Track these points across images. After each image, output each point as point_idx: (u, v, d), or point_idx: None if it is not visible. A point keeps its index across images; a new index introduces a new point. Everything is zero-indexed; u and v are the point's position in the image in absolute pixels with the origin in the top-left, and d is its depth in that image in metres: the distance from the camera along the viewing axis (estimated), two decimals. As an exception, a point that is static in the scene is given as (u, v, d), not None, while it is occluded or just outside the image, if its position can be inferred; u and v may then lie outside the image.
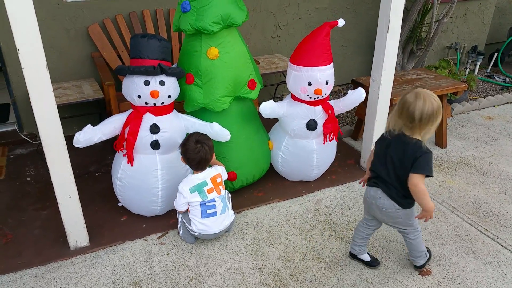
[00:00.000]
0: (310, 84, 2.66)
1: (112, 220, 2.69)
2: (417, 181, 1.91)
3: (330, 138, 2.89)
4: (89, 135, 2.38)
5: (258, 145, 2.90)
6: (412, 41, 4.63)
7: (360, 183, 2.37)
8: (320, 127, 2.83)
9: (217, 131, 2.64)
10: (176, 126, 2.56)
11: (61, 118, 3.36)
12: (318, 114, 2.80)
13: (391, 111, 2.05)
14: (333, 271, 2.31)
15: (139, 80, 2.37)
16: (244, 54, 2.69)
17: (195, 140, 2.35)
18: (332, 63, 2.73)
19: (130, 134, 2.43)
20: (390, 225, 2.19)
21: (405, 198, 2.03)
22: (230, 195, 2.62)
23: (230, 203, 2.56)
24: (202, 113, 2.74)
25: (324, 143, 2.89)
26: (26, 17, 1.86)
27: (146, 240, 2.53)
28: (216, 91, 2.60)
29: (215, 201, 2.39)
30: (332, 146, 3.01)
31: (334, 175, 3.19)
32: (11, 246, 2.46)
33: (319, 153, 2.92)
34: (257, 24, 4.17)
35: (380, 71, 2.92)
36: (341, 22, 2.66)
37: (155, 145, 2.48)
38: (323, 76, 2.65)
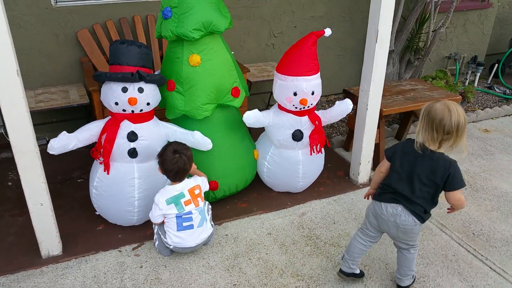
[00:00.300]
0: (295, 94, 2.59)
1: (88, 228, 2.62)
2: (459, 196, 1.92)
3: (317, 149, 2.81)
4: (63, 142, 2.32)
5: (243, 154, 2.82)
6: (410, 50, 4.53)
7: (365, 197, 2.28)
8: (306, 138, 2.75)
9: (198, 140, 2.56)
10: (156, 134, 2.49)
11: (48, 123, 3.29)
12: (304, 124, 2.72)
13: (415, 123, 1.95)
14: (310, 289, 2.21)
15: (116, 86, 2.31)
16: (228, 61, 2.63)
17: (173, 150, 2.28)
18: (319, 73, 2.65)
19: (106, 142, 2.37)
20: (399, 241, 2.08)
21: (425, 213, 1.98)
22: (210, 206, 2.54)
23: (210, 215, 2.48)
24: (184, 120, 2.67)
25: (311, 154, 2.80)
26: (-7, 20, 1.80)
27: (120, 251, 2.45)
28: (197, 98, 2.53)
29: (192, 213, 2.31)
30: (319, 158, 2.92)
31: (322, 187, 3.10)
32: None
33: (305, 165, 2.83)
34: (251, 31, 4.10)
35: (369, 82, 2.83)
36: (327, 32, 2.58)
37: (133, 153, 2.41)
38: (308, 86, 2.57)
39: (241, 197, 2.95)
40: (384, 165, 2.07)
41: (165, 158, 2.26)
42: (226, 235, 2.61)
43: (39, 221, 2.26)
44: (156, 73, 2.64)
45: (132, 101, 2.30)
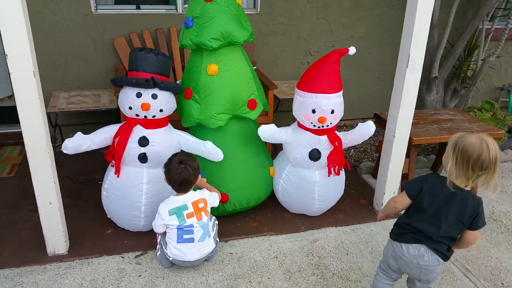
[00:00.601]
0: (314, 111, 2.51)
1: (98, 231, 2.65)
2: (477, 235, 1.84)
3: (336, 171, 2.68)
4: (78, 143, 2.38)
5: (257, 170, 2.76)
6: (456, 78, 4.28)
7: (378, 221, 2.17)
8: (324, 158, 2.64)
9: (209, 150, 2.54)
10: (167, 141, 2.50)
11: (80, 124, 3.43)
12: (323, 144, 2.62)
13: (443, 156, 1.79)
14: (307, 322, 2.08)
15: (131, 92, 2.35)
16: (246, 73, 2.60)
17: (178, 160, 2.26)
18: (341, 92, 2.56)
19: (118, 145, 2.40)
20: (419, 281, 1.95)
21: (449, 251, 1.87)
22: (217, 222, 2.49)
23: (215, 231, 2.43)
24: (200, 130, 2.68)
25: (328, 176, 2.68)
26: (14, 21, 1.88)
27: (123, 257, 2.45)
28: (212, 107, 2.52)
29: (193, 226, 2.27)
30: (338, 181, 2.79)
31: (341, 214, 2.95)
32: None
33: (321, 186, 2.71)
34: (287, 48, 4.06)
35: (397, 108, 2.68)
36: (351, 50, 2.49)
37: (143, 158, 2.42)
38: (328, 104, 2.48)
39: (254, 215, 2.88)
40: (404, 202, 1.88)
41: (170, 168, 2.25)
42: (231, 253, 2.53)
43: (47, 219, 2.32)
44: (177, 82, 2.67)
45: (145, 107, 2.33)
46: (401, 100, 2.64)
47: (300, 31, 4.04)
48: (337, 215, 2.94)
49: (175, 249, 2.27)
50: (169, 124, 2.57)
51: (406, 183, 1.89)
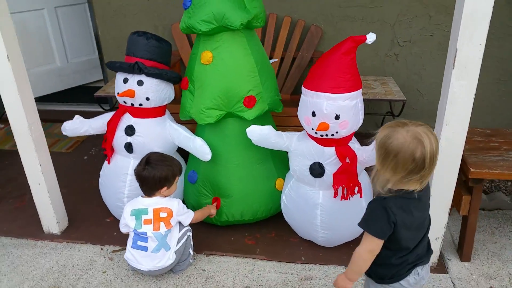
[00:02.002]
0: (314, 114, 2.08)
1: (98, 218, 2.75)
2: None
3: (345, 194, 2.17)
4: (75, 125, 2.48)
5: (256, 179, 2.45)
6: None
7: None
8: (329, 176, 2.17)
9: (196, 147, 2.36)
10: (155, 132, 2.42)
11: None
12: (329, 158, 2.16)
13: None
14: None
15: (120, 77, 2.36)
16: (247, 65, 2.28)
17: (146, 159, 2.16)
18: (354, 94, 2.06)
19: (108, 132, 2.45)
20: None
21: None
22: (190, 233, 2.29)
23: (181, 244, 2.22)
24: (199, 125, 2.51)
25: (334, 197, 2.19)
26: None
27: (102, 249, 2.49)
28: (202, 101, 2.31)
29: (146, 235, 2.14)
30: (351, 208, 2.24)
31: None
32: (13, 211, 2.81)
33: (325, 211, 2.24)
34: (367, 37, 3.46)
35: (440, 124, 2.00)
36: (370, 38, 1.96)
37: (129, 147, 2.41)
38: (330, 107, 2.02)
39: (254, 232, 2.58)
40: (379, 248, 1.48)
41: (137, 167, 2.16)
42: (203, 270, 2.32)
43: (38, 199, 2.51)
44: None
45: (129, 93, 2.29)
46: (445, 114, 1.95)
47: (385, 15, 3.39)
48: (349, 251, 2.38)
49: (129, 253, 2.19)
50: (165, 116, 2.48)
51: (367, 224, 1.47)
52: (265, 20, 2.34)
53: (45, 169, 2.43)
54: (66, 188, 2.87)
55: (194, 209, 2.41)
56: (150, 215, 2.14)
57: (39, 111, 2.37)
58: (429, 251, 1.63)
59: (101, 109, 3.53)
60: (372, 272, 1.59)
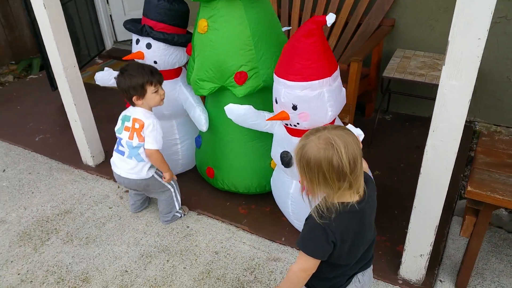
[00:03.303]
0: (276, 101, 2.02)
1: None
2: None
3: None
4: (105, 76, 2.72)
5: (248, 155, 2.48)
6: None
7: None
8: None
9: (194, 116, 2.49)
10: (166, 95, 2.53)
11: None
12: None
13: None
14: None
15: (134, 37, 2.53)
16: (241, 37, 2.21)
17: (121, 68, 2.26)
18: (314, 83, 1.86)
19: None
20: None
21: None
22: (172, 190, 2.48)
23: (156, 174, 2.38)
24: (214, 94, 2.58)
25: (301, 192, 2.13)
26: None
27: (118, 187, 2.87)
28: (197, 72, 2.37)
29: (121, 141, 2.32)
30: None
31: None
32: (71, 140, 3.27)
33: (295, 202, 2.21)
34: (450, 7, 3.00)
35: (432, 132, 1.75)
36: (329, 19, 1.76)
37: None
38: (287, 95, 1.92)
39: (251, 203, 2.65)
40: (313, 267, 1.43)
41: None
42: (188, 227, 2.52)
43: (76, 134, 2.97)
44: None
45: (138, 55, 2.47)
46: (436, 119, 1.70)
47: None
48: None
49: (113, 156, 2.41)
50: (177, 78, 2.61)
51: (304, 243, 1.41)
52: None
53: (80, 108, 2.84)
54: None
55: (200, 170, 2.60)
56: (129, 123, 2.30)
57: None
58: (369, 257, 1.56)
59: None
60: (311, 284, 1.55)
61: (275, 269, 2.22)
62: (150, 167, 2.34)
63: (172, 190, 2.48)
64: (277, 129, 2.18)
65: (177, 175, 2.74)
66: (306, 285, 1.55)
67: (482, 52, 1.52)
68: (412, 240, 2.01)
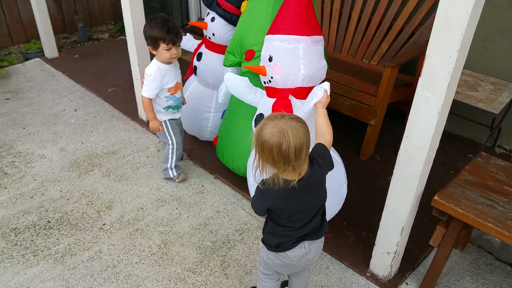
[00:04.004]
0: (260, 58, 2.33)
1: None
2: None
3: None
4: (184, 40, 3.09)
5: (244, 133, 2.71)
6: None
7: None
8: None
9: (219, 87, 2.81)
10: (213, 65, 2.94)
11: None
12: (269, 110, 2.29)
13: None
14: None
15: (207, 11, 2.95)
16: (263, 21, 2.47)
17: (151, 18, 2.50)
18: (291, 37, 2.10)
19: (193, 54, 3.11)
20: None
21: (324, 226, 1.86)
22: (170, 146, 2.83)
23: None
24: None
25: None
26: None
27: (159, 142, 3.35)
28: (229, 44, 2.70)
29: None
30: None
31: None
32: (131, 92, 3.80)
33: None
34: (508, 29, 2.99)
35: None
36: None
37: (195, 70, 3.05)
38: (266, 47, 2.21)
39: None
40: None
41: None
42: (203, 186, 2.92)
43: (137, 91, 3.50)
44: None
45: (202, 25, 2.89)
46: (409, 126, 1.88)
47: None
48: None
49: None
50: None
51: (252, 202, 1.74)
52: None
53: (142, 69, 3.34)
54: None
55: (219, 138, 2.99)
56: None
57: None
58: (321, 230, 1.79)
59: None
60: (264, 239, 1.86)
61: (261, 236, 2.53)
62: (161, 112, 2.71)
63: (171, 147, 2.84)
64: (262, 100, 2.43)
65: (205, 142, 3.15)
66: (262, 241, 1.86)
67: (453, 70, 1.68)
68: (381, 237, 2.20)
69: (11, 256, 2.37)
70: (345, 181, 2.49)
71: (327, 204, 2.31)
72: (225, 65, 2.76)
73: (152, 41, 2.48)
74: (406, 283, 2.28)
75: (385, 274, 2.28)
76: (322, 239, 1.84)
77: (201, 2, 5.37)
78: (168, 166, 2.91)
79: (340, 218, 2.60)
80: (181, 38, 2.54)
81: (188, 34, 3.23)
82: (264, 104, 2.35)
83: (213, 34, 2.89)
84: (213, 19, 2.86)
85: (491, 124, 2.90)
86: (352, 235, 2.56)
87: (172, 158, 2.87)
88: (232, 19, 2.83)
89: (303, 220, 1.72)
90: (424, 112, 1.80)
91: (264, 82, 2.32)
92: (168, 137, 2.81)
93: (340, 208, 2.53)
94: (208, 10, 2.92)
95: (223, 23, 2.85)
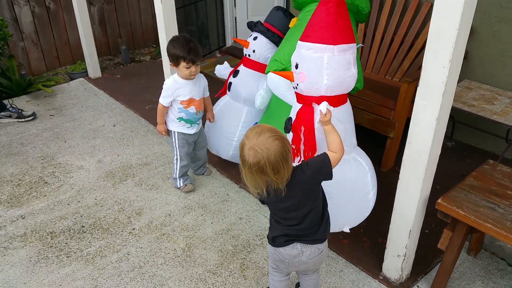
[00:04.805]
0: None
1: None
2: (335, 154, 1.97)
3: (298, 159, 2.42)
4: (221, 69, 3.45)
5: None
6: None
7: None
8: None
9: (256, 95, 3.04)
10: (248, 82, 3.16)
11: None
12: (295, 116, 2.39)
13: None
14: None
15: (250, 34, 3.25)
16: (292, 37, 2.67)
17: (175, 36, 2.83)
18: (318, 45, 2.12)
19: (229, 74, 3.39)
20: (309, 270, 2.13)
21: (323, 230, 1.98)
22: (176, 158, 3.11)
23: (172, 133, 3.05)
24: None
25: (299, 161, 2.45)
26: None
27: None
28: (276, 52, 2.82)
29: None
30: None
31: (335, 244, 2.72)
32: None
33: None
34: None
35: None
36: None
37: (229, 85, 3.30)
38: (295, 54, 2.26)
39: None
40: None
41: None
42: (228, 194, 3.17)
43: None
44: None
45: (244, 43, 3.18)
46: (411, 132, 2.07)
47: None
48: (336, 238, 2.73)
49: None
50: (264, 74, 3.15)
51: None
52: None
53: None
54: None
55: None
56: None
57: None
58: (316, 235, 1.92)
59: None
60: (268, 234, 2.06)
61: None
62: (173, 121, 2.97)
63: (175, 158, 3.10)
64: None
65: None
66: (267, 236, 2.04)
67: (447, 79, 1.86)
68: (392, 240, 2.35)
69: (46, 257, 2.68)
70: (371, 190, 2.54)
71: (348, 210, 2.50)
72: (266, 72, 2.84)
73: (174, 59, 2.76)
74: (418, 286, 2.41)
75: (397, 277, 2.42)
76: (321, 246, 1.96)
77: (236, 25, 5.78)
78: (174, 176, 3.21)
79: (358, 225, 2.76)
80: (200, 58, 2.82)
81: (225, 62, 3.48)
82: (294, 109, 2.45)
83: (254, 51, 3.13)
84: (255, 38, 3.12)
85: (506, 135, 3.00)
86: (368, 241, 2.71)
87: (177, 169, 3.14)
88: (274, 38, 3.10)
89: (293, 219, 1.87)
90: (423, 119, 1.98)
91: (294, 88, 2.39)
92: (173, 148, 3.09)
93: (366, 216, 2.60)
94: (251, 33, 3.18)
95: (265, 41, 3.11)
